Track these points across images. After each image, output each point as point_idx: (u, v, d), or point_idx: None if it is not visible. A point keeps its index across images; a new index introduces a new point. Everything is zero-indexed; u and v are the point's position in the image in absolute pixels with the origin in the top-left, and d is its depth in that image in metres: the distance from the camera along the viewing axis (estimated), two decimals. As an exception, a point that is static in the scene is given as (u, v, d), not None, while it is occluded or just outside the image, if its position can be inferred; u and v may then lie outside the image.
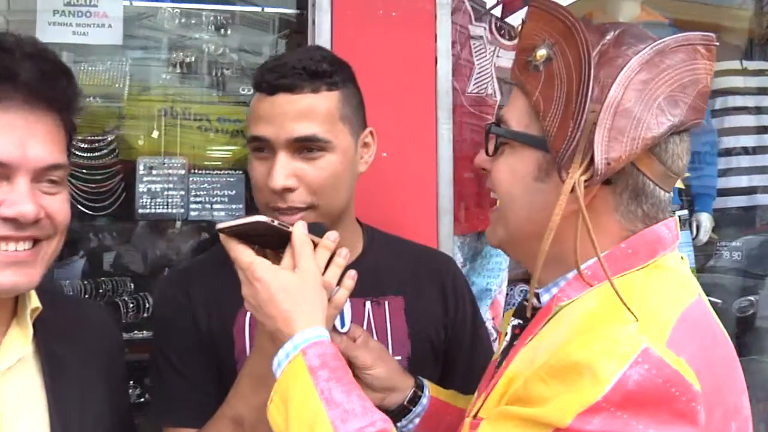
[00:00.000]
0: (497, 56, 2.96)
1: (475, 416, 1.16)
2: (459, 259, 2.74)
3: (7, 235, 1.19)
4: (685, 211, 3.67)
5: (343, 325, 1.53)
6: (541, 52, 1.16)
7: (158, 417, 1.65)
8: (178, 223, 3.03)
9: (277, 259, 1.32)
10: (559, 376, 1.00)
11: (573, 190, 1.06)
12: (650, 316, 1.01)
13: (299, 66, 1.51)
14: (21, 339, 1.31)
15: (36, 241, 1.24)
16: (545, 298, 1.20)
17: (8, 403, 1.27)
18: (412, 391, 1.52)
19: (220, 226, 1.33)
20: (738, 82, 4.04)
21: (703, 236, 3.78)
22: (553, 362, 1.01)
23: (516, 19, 2.98)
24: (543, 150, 1.14)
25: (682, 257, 1.19)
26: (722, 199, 3.95)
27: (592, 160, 1.05)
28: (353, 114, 1.61)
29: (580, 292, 1.12)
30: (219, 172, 3.02)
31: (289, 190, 1.50)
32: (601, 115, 1.05)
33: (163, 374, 1.66)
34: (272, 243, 1.36)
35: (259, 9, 3.27)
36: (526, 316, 1.23)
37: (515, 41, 2.99)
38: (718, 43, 1.18)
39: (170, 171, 2.96)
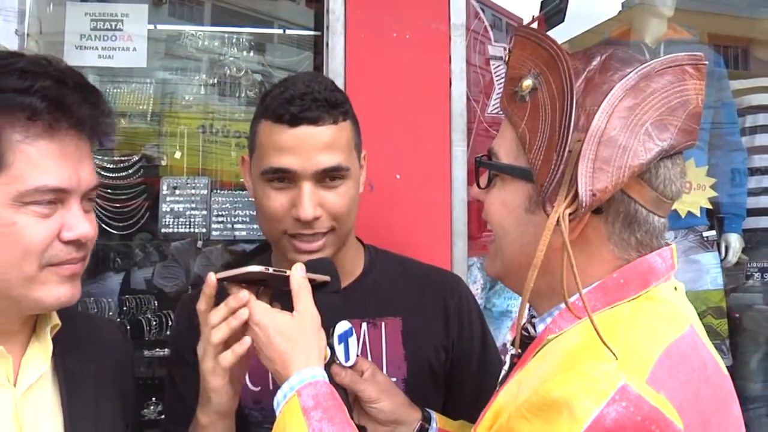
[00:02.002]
0: None
1: None
2: (480, 281, 2.73)
3: (70, 258, 1.25)
4: (713, 232, 3.63)
5: (347, 359, 1.54)
6: (527, 83, 1.15)
7: (165, 430, 1.76)
8: (200, 243, 3.06)
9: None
10: (540, 414, 0.99)
11: (558, 222, 1.05)
12: (631, 352, 1.00)
13: (320, 98, 1.54)
14: (42, 355, 1.34)
15: None
16: (540, 327, 1.19)
17: (27, 419, 1.30)
18: (419, 424, 1.53)
19: (218, 276, 1.38)
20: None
21: (732, 257, 3.71)
22: (533, 399, 1.00)
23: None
24: (531, 182, 1.13)
25: (675, 287, 1.16)
26: (753, 219, 3.86)
27: (577, 191, 1.04)
28: (359, 140, 1.66)
29: (570, 323, 1.11)
30: (241, 191, 3.07)
31: (316, 218, 1.54)
32: (584, 146, 1.04)
33: (169, 393, 1.77)
34: (275, 285, 1.41)
35: (281, 31, 3.32)
36: (526, 345, 1.23)
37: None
38: (707, 62, 1.16)
39: (193, 191, 3.00)
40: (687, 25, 3.74)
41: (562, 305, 1.13)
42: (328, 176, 1.56)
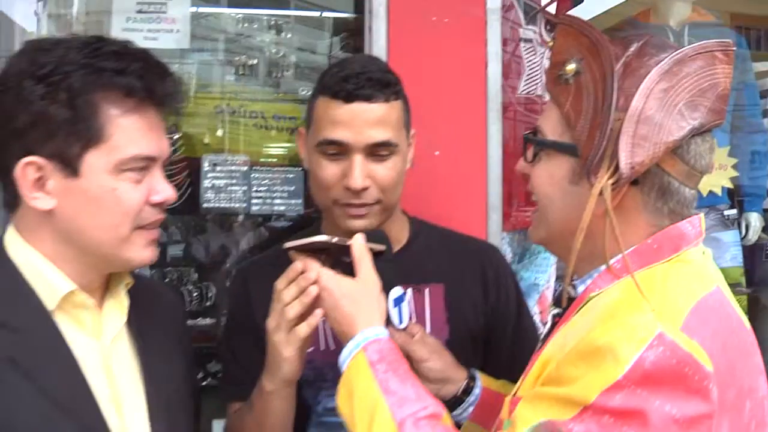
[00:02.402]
0: (547, 59, 3.05)
1: (514, 395, 1.28)
2: (508, 254, 2.84)
3: (156, 219, 1.37)
4: (734, 211, 3.74)
5: (401, 321, 1.67)
6: (570, 67, 1.27)
7: (221, 396, 1.87)
8: (241, 217, 3.19)
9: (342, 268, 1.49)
10: (586, 359, 1.11)
11: (601, 192, 1.17)
12: (666, 304, 1.12)
13: (374, 77, 1.65)
14: (118, 310, 1.44)
15: None
16: (580, 288, 1.31)
17: (113, 369, 1.39)
18: (465, 382, 1.64)
19: (287, 245, 1.50)
20: None
21: (753, 236, 3.81)
22: (580, 347, 1.13)
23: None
24: (575, 156, 1.25)
25: (704, 252, 1.28)
26: None
27: (618, 165, 1.16)
28: (408, 119, 1.76)
29: (609, 283, 1.23)
30: (279, 168, 3.18)
31: (365, 189, 1.66)
32: (625, 124, 1.16)
33: (225, 356, 1.91)
34: (335, 254, 1.52)
35: (317, 13, 3.43)
36: (566, 306, 1.35)
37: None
38: (735, 48, 1.28)
39: (233, 167, 3.13)
40: (710, 8, 3.80)
41: (601, 268, 1.25)
42: (378, 150, 1.67)
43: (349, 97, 1.65)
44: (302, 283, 1.45)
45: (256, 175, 3.15)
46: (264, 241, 3.33)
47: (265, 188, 3.17)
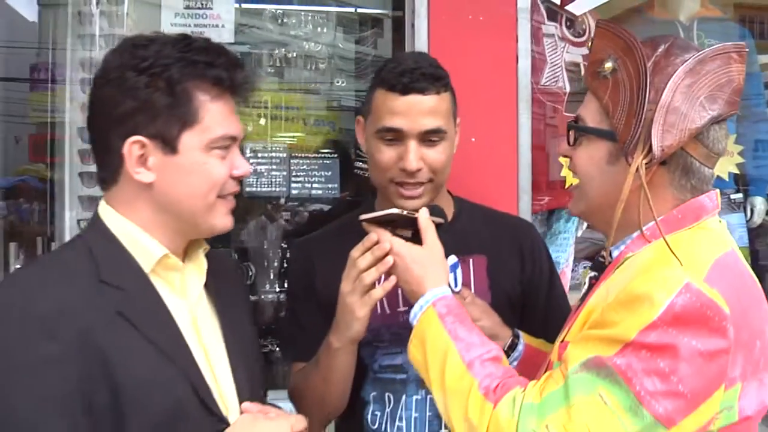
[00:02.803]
0: (567, 52, 3.26)
1: (562, 341, 1.51)
2: (533, 235, 3.06)
3: (234, 190, 1.55)
4: (740, 194, 3.83)
5: (456, 285, 1.90)
6: (608, 65, 1.49)
7: (286, 356, 2.13)
8: (282, 200, 3.41)
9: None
10: (626, 306, 1.34)
11: (637, 170, 1.40)
12: (692, 261, 1.35)
13: (427, 72, 1.86)
14: (198, 273, 1.60)
15: None
16: (615, 253, 1.53)
17: (200, 324, 1.56)
18: (510, 339, 1.85)
19: (363, 217, 1.73)
20: None
21: (757, 218, 3.90)
22: (621, 296, 1.36)
23: (576, 8, 3.24)
24: (612, 141, 1.48)
25: (720, 221, 1.52)
26: None
27: (650, 148, 1.39)
28: (455, 109, 1.98)
29: (641, 247, 1.46)
30: (316, 155, 3.41)
31: (418, 170, 1.88)
32: (656, 114, 1.39)
33: (288, 321, 2.13)
34: (401, 226, 1.74)
35: (352, 9, 3.63)
36: (601, 269, 1.57)
37: (583, 38, 3.30)
38: (748, 50, 1.51)
39: (273, 154, 3.35)
40: (717, 3, 3.90)
41: (634, 234, 1.48)
42: (430, 136, 1.87)
43: (405, 90, 1.85)
44: (377, 253, 1.67)
45: (296, 162, 3.38)
46: (303, 224, 3.54)
47: (304, 174, 3.39)
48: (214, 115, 1.48)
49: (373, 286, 1.72)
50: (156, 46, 1.46)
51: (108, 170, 1.51)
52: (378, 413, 2.01)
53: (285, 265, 3.47)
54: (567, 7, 3.23)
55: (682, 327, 1.29)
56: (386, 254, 1.68)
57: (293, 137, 3.51)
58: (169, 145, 1.46)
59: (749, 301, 1.39)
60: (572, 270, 3.35)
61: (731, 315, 1.31)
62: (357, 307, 1.72)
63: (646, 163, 1.40)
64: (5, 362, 1.32)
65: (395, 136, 1.88)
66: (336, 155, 3.44)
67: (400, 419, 1.98)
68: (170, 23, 3.11)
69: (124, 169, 1.47)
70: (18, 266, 3.34)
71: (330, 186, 3.41)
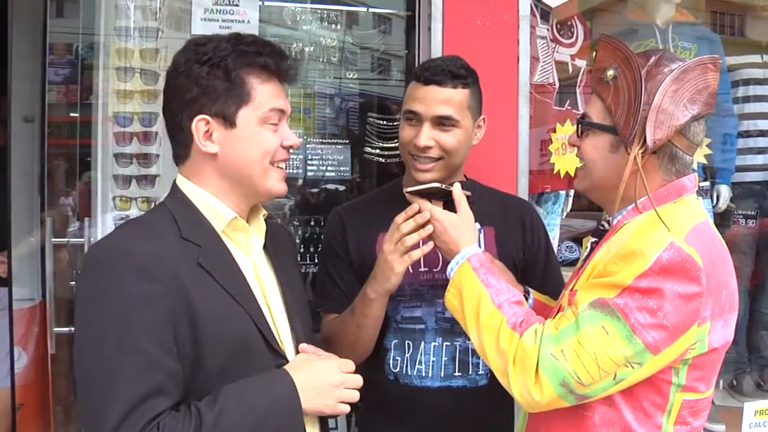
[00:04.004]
0: (557, 52, 3.58)
1: (571, 290, 1.85)
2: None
3: (285, 158, 1.79)
4: (707, 183, 4.13)
5: (480, 246, 2.19)
6: (610, 73, 1.83)
7: (317, 305, 2.37)
8: (300, 181, 3.69)
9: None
10: (623, 259, 1.68)
11: (634, 158, 1.74)
12: (675, 225, 1.69)
13: (446, 69, 2.19)
14: (259, 234, 1.84)
15: None
16: (614, 221, 1.88)
17: (262, 278, 1.80)
18: (522, 294, 2.10)
19: (408, 189, 2.07)
20: (758, 73, 4.43)
21: (722, 204, 4.22)
22: (620, 252, 1.70)
23: (553, 1, 3.55)
24: (614, 134, 1.81)
25: (697, 198, 1.86)
26: (739, 174, 4.36)
27: (645, 140, 1.73)
28: (475, 105, 2.28)
29: (635, 216, 1.80)
30: (330, 141, 3.70)
31: (428, 147, 2.19)
32: (650, 114, 1.73)
33: (322, 277, 2.41)
34: (437, 197, 2.07)
35: (364, 9, 3.90)
36: (600, 236, 1.92)
37: (571, 40, 3.65)
38: (721, 61, 1.83)
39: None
40: (691, 9, 4.18)
41: (629, 207, 1.82)
42: (442, 121, 2.19)
43: (426, 82, 2.20)
44: (419, 220, 2.01)
45: (311, 147, 3.65)
46: (318, 203, 3.82)
47: (318, 157, 3.67)
48: (264, 94, 1.72)
49: (411, 248, 2.04)
50: (213, 43, 1.71)
51: (181, 146, 1.75)
52: (399, 358, 2.31)
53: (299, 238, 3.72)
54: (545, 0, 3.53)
55: (667, 275, 1.63)
56: (427, 222, 2.00)
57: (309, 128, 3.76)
58: (229, 121, 1.69)
59: (718, 258, 1.74)
60: (557, 249, 3.64)
61: (704, 267, 1.65)
62: (396, 264, 2.04)
63: (641, 152, 1.75)
64: (116, 296, 1.52)
65: (414, 118, 2.21)
66: (348, 142, 3.73)
67: (420, 363, 2.29)
68: (200, 18, 3.32)
69: (194, 144, 1.71)
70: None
71: (342, 169, 3.70)
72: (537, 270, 2.42)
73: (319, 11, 3.77)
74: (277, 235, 1.98)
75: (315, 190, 3.81)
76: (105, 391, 1.49)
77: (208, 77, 1.69)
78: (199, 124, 1.69)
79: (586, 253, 1.98)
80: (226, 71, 1.69)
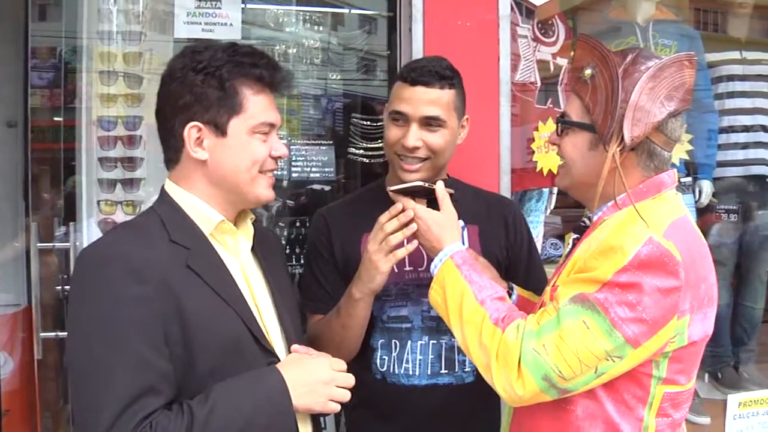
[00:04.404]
0: (538, 51, 3.59)
1: (553, 285, 1.87)
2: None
3: (273, 168, 1.83)
4: (690, 178, 4.16)
5: (463, 244, 2.18)
6: (588, 71, 1.85)
7: (303, 306, 2.33)
8: (285, 182, 3.69)
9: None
10: (603, 254, 1.71)
11: (612, 156, 1.76)
12: (654, 221, 1.72)
13: (433, 70, 2.20)
14: (247, 237, 1.87)
15: None
16: (594, 218, 1.90)
17: (250, 280, 1.83)
18: (506, 289, 2.12)
19: (392, 188, 2.09)
20: (737, 70, 4.47)
21: (704, 199, 4.26)
22: (600, 247, 1.73)
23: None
24: (593, 132, 1.83)
25: (676, 193, 1.88)
26: (721, 170, 4.39)
27: (623, 137, 1.75)
28: (460, 105, 2.30)
29: (615, 212, 1.83)
30: (314, 142, 3.70)
31: (416, 148, 2.21)
32: (627, 111, 1.75)
33: (307, 278, 2.42)
34: (420, 195, 2.09)
35: (346, 11, 3.92)
36: (581, 232, 1.94)
37: (552, 38, 3.66)
38: (697, 58, 1.85)
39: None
40: (672, 7, 4.21)
41: (608, 203, 1.84)
42: (429, 122, 2.21)
43: (413, 82, 2.21)
44: (403, 219, 2.03)
45: (296, 148, 3.64)
46: (303, 203, 3.84)
47: (303, 159, 3.67)
48: (257, 106, 1.75)
49: (395, 247, 2.06)
50: (210, 51, 1.75)
51: (171, 151, 1.78)
52: (386, 357, 2.33)
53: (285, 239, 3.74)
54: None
55: (645, 270, 1.66)
56: (410, 221, 2.02)
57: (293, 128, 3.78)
58: (220, 129, 1.73)
59: (696, 253, 1.77)
60: (541, 246, 3.70)
61: (683, 262, 1.68)
62: (381, 264, 2.06)
63: (619, 150, 1.77)
64: (108, 298, 1.55)
65: (401, 119, 2.22)
66: (332, 142, 3.74)
67: (407, 361, 2.31)
68: (183, 21, 3.32)
69: (185, 150, 1.74)
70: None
71: (326, 170, 3.70)
72: (520, 267, 2.44)
73: (301, 13, 3.79)
74: (264, 238, 2.02)
75: (301, 191, 3.82)
76: (98, 391, 1.52)
77: (202, 85, 1.72)
78: (191, 131, 1.73)
79: (567, 250, 2.01)
80: (221, 81, 1.73)
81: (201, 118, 1.73)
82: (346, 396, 1.76)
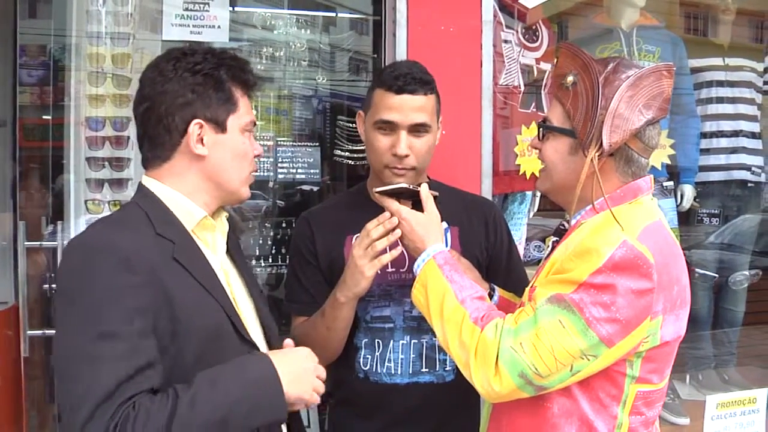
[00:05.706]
0: (522, 56, 3.62)
1: (531, 286, 1.92)
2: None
3: (254, 168, 1.91)
4: (671, 182, 4.19)
5: (446, 245, 2.21)
6: (570, 78, 1.90)
7: (290, 311, 2.43)
8: (271, 183, 3.73)
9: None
10: (579, 256, 1.75)
11: (591, 161, 1.81)
12: (628, 224, 1.76)
13: (417, 77, 2.22)
14: (223, 233, 1.92)
15: None
16: (573, 221, 1.95)
17: (228, 273, 1.89)
18: (488, 291, 2.18)
19: (377, 189, 2.12)
20: (720, 76, 4.52)
21: (686, 203, 4.32)
22: (576, 249, 1.77)
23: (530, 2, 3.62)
24: (573, 137, 1.88)
25: (652, 198, 1.92)
26: (703, 174, 4.46)
27: (602, 143, 1.80)
28: (438, 108, 2.33)
29: (592, 215, 1.87)
30: (300, 144, 3.74)
31: (406, 156, 2.24)
32: (606, 118, 1.80)
33: (291, 281, 2.44)
34: (405, 197, 2.13)
35: (333, 14, 3.95)
36: (560, 235, 1.98)
37: (536, 44, 3.70)
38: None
39: (261, 143, 3.63)
40: (656, 13, 4.25)
41: (587, 207, 1.89)
42: (417, 128, 2.23)
43: (399, 90, 2.22)
44: (388, 225, 2.07)
45: (281, 150, 3.69)
46: (290, 204, 3.89)
47: (289, 160, 3.72)
48: (245, 106, 1.86)
49: (380, 252, 2.10)
50: (200, 54, 1.81)
51: (163, 148, 1.80)
52: (369, 357, 2.36)
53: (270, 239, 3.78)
54: (520, 0, 3.60)
55: (620, 271, 1.70)
56: (395, 227, 2.06)
57: (280, 130, 3.81)
58: (221, 126, 1.80)
59: (669, 256, 1.81)
60: (524, 248, 3.74)
61: (655, 264, 1.73)
62: (366, 269, 2.10)
63: (598, 155, 1.82)
64: (98, 287, 1.58)
65: (389, 128, 2.24)
66: (317, 144, 3.78)
67: (389, 360, 2.34)
68: (171, 23, 3.35)
69: (182, 146, 1.78)
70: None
71: (312, 171, 3.74)
72: (500, 267, 2.48)
73: (288, 16, 3.83)
74: (232, 231, 2.05)
75: (288, 191, 3.86)
76: (84, 376, 1.54)
77: (203, 85, 1.79)
78: (194, 127, 1.78)
79: (547, 252, 2.05)
80: (219, 81, 1.81)
81: (203, 115, 1.79)
82: (322, 388, 1.78)
